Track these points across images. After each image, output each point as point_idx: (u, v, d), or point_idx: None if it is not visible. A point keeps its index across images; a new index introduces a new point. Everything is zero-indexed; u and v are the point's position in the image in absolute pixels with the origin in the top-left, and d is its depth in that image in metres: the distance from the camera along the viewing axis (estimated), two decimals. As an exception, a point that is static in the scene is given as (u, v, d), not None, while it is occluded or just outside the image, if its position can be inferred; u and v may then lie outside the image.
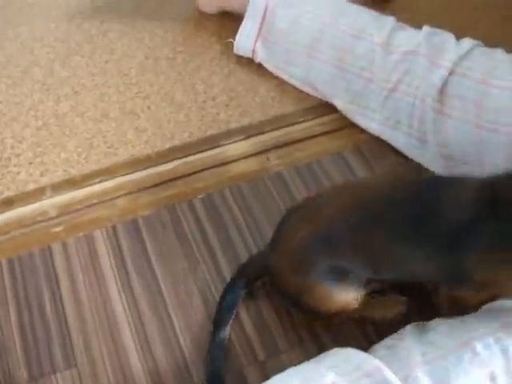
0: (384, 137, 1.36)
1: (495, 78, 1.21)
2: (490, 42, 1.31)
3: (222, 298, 1.10)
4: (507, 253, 0.88)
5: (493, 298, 1.00)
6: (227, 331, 1.08)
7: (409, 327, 0.98)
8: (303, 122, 1.41)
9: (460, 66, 1.25)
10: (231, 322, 1.09)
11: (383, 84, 1.32)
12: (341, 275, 0.99)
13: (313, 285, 1.01)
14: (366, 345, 1.03)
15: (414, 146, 1.31)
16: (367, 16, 1.40)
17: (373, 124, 1.36)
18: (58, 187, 1.28)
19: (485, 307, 1.00)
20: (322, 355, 0.99)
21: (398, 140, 1.33)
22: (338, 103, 1.40)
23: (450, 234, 0.90)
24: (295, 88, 1.46)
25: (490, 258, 0.90)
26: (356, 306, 1.03)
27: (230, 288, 1.11)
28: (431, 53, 1.28)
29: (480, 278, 0.93)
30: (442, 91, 1.24)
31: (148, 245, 1.20)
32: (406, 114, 1.30)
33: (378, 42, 1.33)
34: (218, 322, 1.08)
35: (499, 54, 1.27)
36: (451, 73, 1.24)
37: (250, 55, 1.50)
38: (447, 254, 0.91)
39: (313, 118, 1.42)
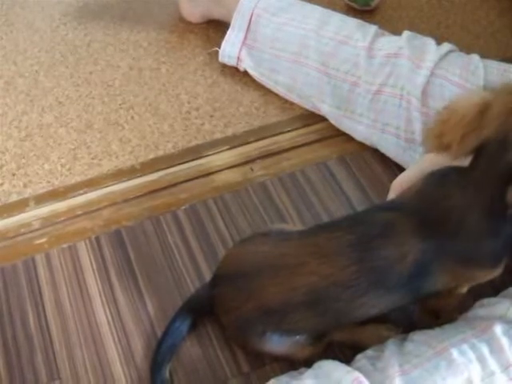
0: (372, 140, 1.36)
1: (470, 83, 1.23)
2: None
3: (164, 338, 1.07)
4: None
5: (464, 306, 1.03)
6: (167, 372, 1.05)
7: (390, 340, 0.99)
8: (287, 132, 1.42)
9: (440, 67, 1.27)
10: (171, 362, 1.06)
11: (368, 87, 1.33)
12: (291, 336, 1.01)
13: (262, 347, 1.03)
14: (349, 354, 1.04)
15: (402, 147, 1.31)
16: (351, 23, 1.41)
17: (360, 127, 1.36)
18: (41, 198, 1.28)
19: (460, 317, 1.01)
20: (304, 369, 0.99)
21: (387, 143, 1.34)
22: (325, 108, 1.40)
23: (409, 275, 0.93)
24: (279, 98, 1.47)
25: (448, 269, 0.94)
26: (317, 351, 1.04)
27: (172, 328, 1.08)
28: (413, 54, 1.30)
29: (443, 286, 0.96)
30: (424, 92, 1.26)
31: (132, 256, 1.20)
32: (393, 116, 1.31)
33: (363, 46, 1.35)
34: (157, 364, 1.05)
35: (475, 59, 1.30)
36: (432, 74, 1.27)
37: (234, 63, 1.51)
38: (409, 287, 0.94)
39: (297, 128, 1.43)
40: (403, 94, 1.29)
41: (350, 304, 0.95)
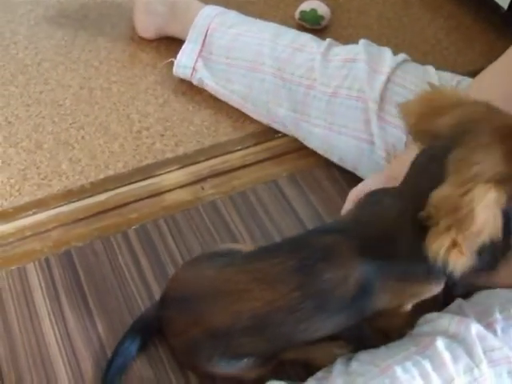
0: (330, 143, 1.36)
1: None
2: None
3: (113, 358, 1.06)
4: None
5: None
6: None
7: (338, 360, 1.00)
8: (238, 150, 1.43)
9: (397, 74, 1.30)
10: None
11: (324, 89, 1.35)
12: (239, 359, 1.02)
13: (211, 370, 1.04)
14: (301, 371, 1.05)
15: (362, 150, 1.32)
16: (305, 36, 1.45)
17: (317, 130, 1.37)
18: (-11, 220, 1.27)
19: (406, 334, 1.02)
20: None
21: (347, 145, 1.34)
22: (281, 112, 1.41)
23: (352, 296, 0.93)
24: (230, 117, 1.48)
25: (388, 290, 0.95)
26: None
27: (121, 348, 1.07)
28: (371, 60, 1.33)
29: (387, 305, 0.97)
30: (382, 97, 1.29)
31: (81, 276, 1.19)
32: (350, 118, 1.32)
33: (318, 51, 1.38)
34: None
35: (431, 70, 1.34)
36: (389, 80, 1.29)
37: (189, 74, 1.51)
38: (352, 308, 0.95)
39: (247, 147, 1.44)
40: (360, 95, 1.31)
41: (295, 328, 0.96)
